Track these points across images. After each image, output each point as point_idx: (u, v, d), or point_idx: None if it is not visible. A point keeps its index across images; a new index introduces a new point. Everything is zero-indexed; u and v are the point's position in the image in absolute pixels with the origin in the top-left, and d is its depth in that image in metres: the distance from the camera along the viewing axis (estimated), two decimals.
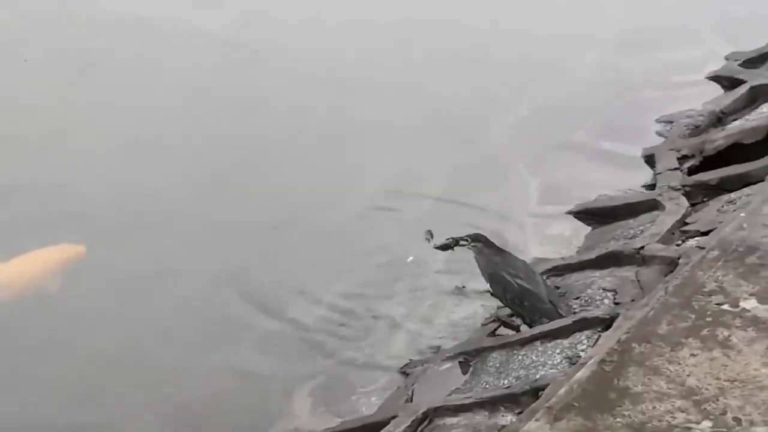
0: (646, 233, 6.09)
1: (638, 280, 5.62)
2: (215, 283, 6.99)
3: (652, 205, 6.52)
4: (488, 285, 5.91)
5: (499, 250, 5.90)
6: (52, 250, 7.05)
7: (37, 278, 6.87)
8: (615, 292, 5.68)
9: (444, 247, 5.97)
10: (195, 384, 6.35)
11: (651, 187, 6.89)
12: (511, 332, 5.80)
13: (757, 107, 7.39)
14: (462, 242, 5.88)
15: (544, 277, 5.98)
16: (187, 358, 6.51)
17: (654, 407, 4.24)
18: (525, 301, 5.66)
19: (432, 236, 6.08)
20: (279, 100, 8.98)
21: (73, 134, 8.42)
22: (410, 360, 6.12)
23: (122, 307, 6.81)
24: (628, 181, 7.39)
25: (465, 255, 6.11)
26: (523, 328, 5.76)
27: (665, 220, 6.15)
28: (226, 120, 8.74)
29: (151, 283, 6.98)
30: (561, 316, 5.51)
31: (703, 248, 5.25)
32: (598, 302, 5.65)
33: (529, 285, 5.65)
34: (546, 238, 7.30)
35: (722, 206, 6.12)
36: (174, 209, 7.65)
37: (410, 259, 7.08)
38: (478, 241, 5.86)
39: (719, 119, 7.50)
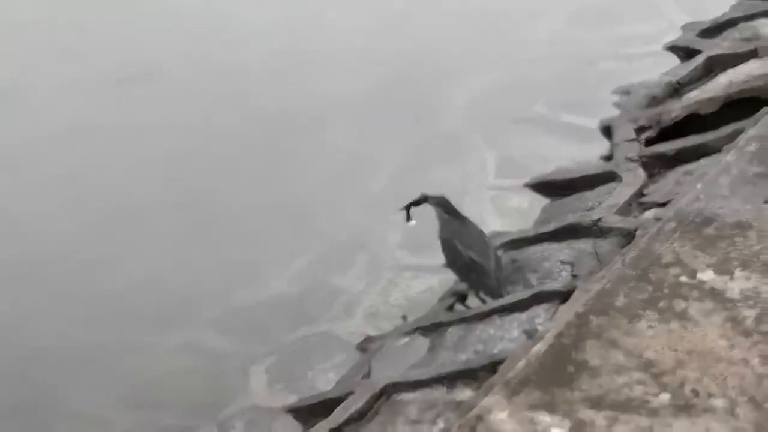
0: (603, 205, 6.05)
1: (596, 252, 5.59)
2: (171, 263, 6.93)
3: (610, 177, 6.49)
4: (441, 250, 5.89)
5: (458, 217, 5.87)
6: None
7: None
8: (572, 264, 5.65)
9: (414, 203, 5.91)
10: (151, 363, 6.30)
11: (608, 158, 6.85)
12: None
13: (713, 77, 7.38)
14: (429, 201, 5.85)
15: (499, 252, 5.95)
16: (142, 337, 6.45)
17: (612, 380, 4.21)
18: (472, 273, 5.64)
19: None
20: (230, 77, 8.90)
21: None
22: (367, 336, 6.08)
23: (77, 286, 6.76)
24: (586, 153, 7.36)
25: (424, 230, 6.11)
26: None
27: (622, 192, 6.12)
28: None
29: (104, 263, 6.92)
30: (501, 296, 5.49)
31: (660, 220, 5.23)
32: (555, 275, 5.63)
33: (479, 258, 5.63)
34: (504, 211, 7.27)
35: (679, 177, 6.11)
36: (128, 192, 7.60)
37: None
38: (440, 205, 5.84)
39: (676, 90, 7.47)
